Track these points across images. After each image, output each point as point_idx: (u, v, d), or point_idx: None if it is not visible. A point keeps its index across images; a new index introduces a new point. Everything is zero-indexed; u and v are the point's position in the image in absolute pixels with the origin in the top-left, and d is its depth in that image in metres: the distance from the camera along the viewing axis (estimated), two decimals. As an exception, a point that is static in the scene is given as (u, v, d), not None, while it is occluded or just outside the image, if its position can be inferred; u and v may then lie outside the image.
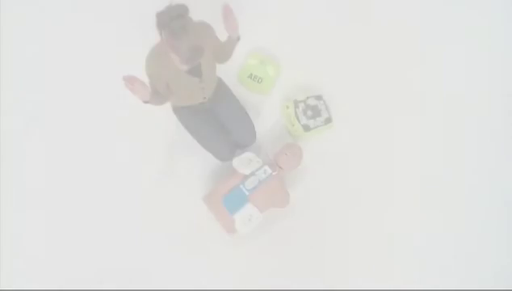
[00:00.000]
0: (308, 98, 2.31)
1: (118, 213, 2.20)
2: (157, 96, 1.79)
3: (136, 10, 2.50)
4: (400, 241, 2.21)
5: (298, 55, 2.48)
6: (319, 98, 2.33)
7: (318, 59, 2.48)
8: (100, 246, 2.15)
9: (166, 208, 2.21)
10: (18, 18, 2.48)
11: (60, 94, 2.38)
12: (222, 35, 1.86)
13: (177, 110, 2.11)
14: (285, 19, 2.54)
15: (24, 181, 2.23)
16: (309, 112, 2.28)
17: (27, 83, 2.39)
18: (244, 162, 2.12)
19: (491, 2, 2.62)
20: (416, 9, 2.60)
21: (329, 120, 2.30)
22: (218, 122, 2.14)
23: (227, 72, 2.22)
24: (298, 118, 2.26)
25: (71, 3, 2.52)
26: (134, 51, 2.38)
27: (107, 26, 2.49)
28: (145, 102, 1.75)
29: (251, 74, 2.37)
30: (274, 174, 2.12)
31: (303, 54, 2.49)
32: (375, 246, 2.20)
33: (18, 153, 2.27)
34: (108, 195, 2.21)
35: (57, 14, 2.50)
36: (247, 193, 2.07)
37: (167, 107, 2.03)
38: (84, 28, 2.49)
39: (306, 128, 2.26)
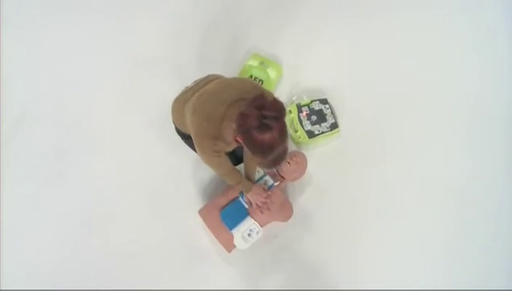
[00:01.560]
0: (312, 102, 2.20)
1: (111, 224, 2.08)
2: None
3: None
4: (407, 252, 2.10)
5: (301, 56, 2.37)
6: (324, 102, 2.22)
7: (322, 60, 2.37)
8: (94, 254, 2.05)
9: (161, 220, 2.09)
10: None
11: (56, 95, 2.28)
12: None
13: (180, 132, 1.95)
14: (287, 19, 2.43)
15: (23, 181, 2.14)
16: (314, 117, 2.17)
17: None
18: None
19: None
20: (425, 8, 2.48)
21: (335, 126, 2.18)
22: None
23: (224, 74, 2.08)
24: (301, 124, 2.16)
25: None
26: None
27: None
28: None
29: (251, 76, 2.25)
30: (276, 185, 2.00)
31: (306, 55, 2.38)
32: (384, 260, 2.08)
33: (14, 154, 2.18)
34: (103, 205, 2.11)
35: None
36: (247, 206, 1.94)
37: (166, 122, 1.93)
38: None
39: (310, 134, 2.15)
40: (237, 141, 1.52)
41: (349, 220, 2.13)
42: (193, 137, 1.62)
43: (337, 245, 2.09)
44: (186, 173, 2.13)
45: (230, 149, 1.66)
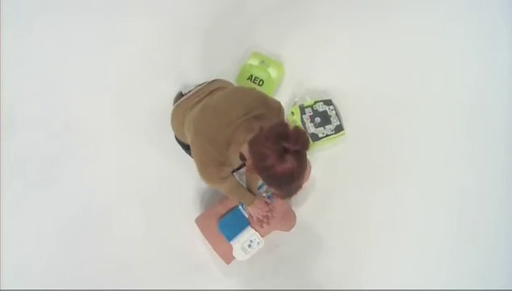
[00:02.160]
0: (315, 103, 2.11)
1: (104, 233, 1.99)
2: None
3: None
4: (417, 261, 2.01)
5: (304, 54, 2.27)
6: (328, 103, 2.12)
7: (326, 59, 2.26)
8: (86, 265, 1.96)
9: (156, 228, 1.99)
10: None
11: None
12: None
13: (180, 141, 1.85)
14: (289, 17, 2.33)
15: (13, 185, 2.05)
16: (317, 119, 2.07)
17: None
18: (242, 180, 1.87)
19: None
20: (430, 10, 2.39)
21: (340, 129, 2.08)
22: None
23: (223, 73, 2.03)
24: (305, 126, 2.06)
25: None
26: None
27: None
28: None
29: (251, 76, 2.15)
30: (277, 192, 1.87)
31: (309, 53, 2.28)
32: (390, 266, 1.99)
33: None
34: (95, 212, 2.02)
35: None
36: (247, 215, 1.83)
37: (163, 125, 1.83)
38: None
39: (314, 137, 2.05)
40: (242, 156, 1.41)
41: (354, 227, 2.03)
42: (196, 163, 1.47)
43: (342, 254, 1.99)
44: (183, 179, 2.02)
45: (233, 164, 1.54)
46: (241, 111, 1.41)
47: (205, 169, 1.46)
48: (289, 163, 1.22)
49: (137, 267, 1.94)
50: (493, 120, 2.21)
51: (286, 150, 1.21)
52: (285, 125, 1.27)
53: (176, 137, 1.80)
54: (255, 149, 1.28)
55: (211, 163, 1.42)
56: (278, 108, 1.56)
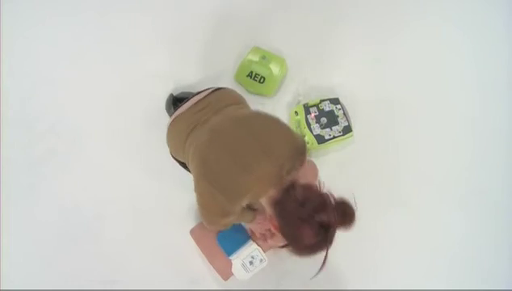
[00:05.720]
0: (321, 101, 2.00)
1: (90, 245, 1.90)
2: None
3: None
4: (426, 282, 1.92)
5: (307, 49, 2.19)
6: (335, 101, 2.01)
7: (332, 54, 2.18)
8: (68, 282, 1.85)
9: (147, 240, 1.89)
10: None
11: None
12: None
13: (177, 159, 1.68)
14: (292, 10, 2.25)
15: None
16: (323, 120, 1.97)
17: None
18: None
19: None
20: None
21: (348, 130, 1.97)
22: None
23: (221, 70, 1.97)
24: (310, 127, 1.95)
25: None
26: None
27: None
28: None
29: (251, 72, 2.04)
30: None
31: (313, 48, 2.19)
32: (400, 279, 1.90)
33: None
34: (81, 222, 1.93)
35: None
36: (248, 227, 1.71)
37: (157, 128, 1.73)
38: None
39: (320, 139, 1.93)
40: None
41: (361, 240, 1.88)
42: (198, 206, 1.28)
43: (350, 269, 1.88)
44: (177, 185, 1.90)
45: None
46: (266, 157, 1.18)
47: (210, 217, 1.29)
48: (321, 239, 1.13)
49: (128, 279, 1.85)
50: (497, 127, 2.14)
51: (325, 228, 1.10)
52: (324, 194, 1.15)
53: (171, 154, 1.62)
54: (285, 219, 1.14)
55: (218, 213, 1.24)
56: (302, 147, 1.35)
